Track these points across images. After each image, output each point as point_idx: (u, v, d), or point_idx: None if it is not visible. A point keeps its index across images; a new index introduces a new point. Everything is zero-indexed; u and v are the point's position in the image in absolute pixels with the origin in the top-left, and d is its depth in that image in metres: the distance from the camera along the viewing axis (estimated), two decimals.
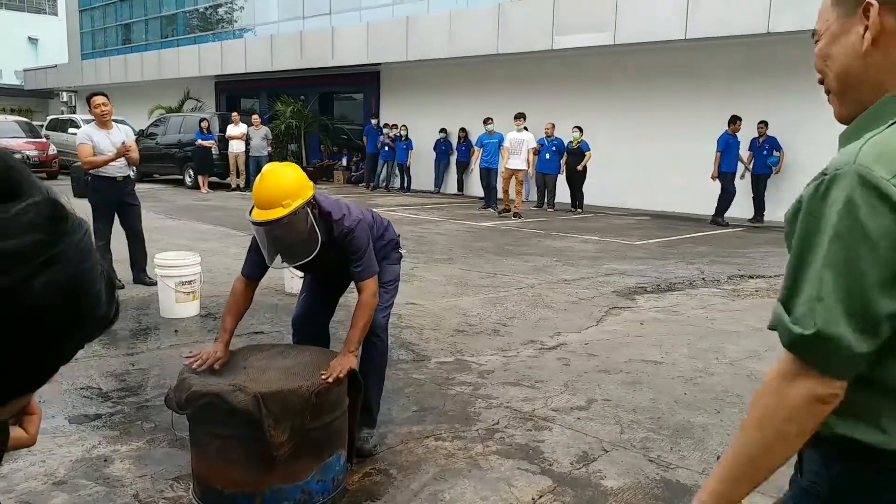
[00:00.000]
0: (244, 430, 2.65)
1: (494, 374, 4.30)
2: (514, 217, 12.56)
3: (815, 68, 1.15)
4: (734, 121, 11.81)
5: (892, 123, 0.97)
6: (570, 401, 3.89)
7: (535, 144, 13.24)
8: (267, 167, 2.94)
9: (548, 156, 13.71)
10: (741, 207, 12.59)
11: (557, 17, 14.20)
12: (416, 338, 5.04)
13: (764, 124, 12.24)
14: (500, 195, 13.60)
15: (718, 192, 12.14)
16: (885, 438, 0.97)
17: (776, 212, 12.47)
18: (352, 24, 19.05)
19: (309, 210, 2.88)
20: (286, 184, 2.82)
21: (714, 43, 12.67)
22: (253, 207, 2.87)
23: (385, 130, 17.55)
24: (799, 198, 1.01)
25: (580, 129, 13.56)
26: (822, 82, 1.15)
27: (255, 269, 3.08)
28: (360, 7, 19.87)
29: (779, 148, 12.25)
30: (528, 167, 13.19)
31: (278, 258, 3.02)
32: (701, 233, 11.11)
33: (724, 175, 11.98)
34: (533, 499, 2.82)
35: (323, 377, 2.74)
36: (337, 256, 3.03)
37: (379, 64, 18.44)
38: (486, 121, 14.38)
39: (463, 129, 16.61)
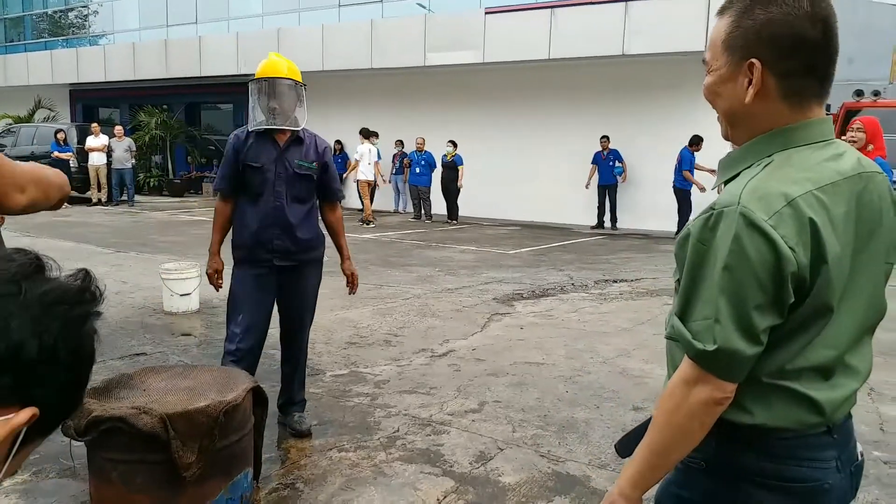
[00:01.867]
0: (149, 453, 2.63)
1: (390, 384, 4.45)
2: (370, 224, 13.66)
3: (704, 95, 1.29)
4: (697, 141, 11.78)
5: (767, 164, 1.17)
6: (463, 404, 4.11)
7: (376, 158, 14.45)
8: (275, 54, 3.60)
9: (418, 170, 14.43)
10: (588, 215, 13.61)
11: (428, 35, 14.61)
12: (308, 352, 5.07)
13: (606, 138, 13.32)
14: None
15: (678, 207, 12.11)
16: (748, 417, 1.21)
17: (629, 221, 13.56)
18: (220, 33, 18.52)
19: (302, 90, 3.54)
20: (294, 66, 3.55)
21: (574, 63, 13.55)
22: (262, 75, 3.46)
23: None
24: (687, 225, 1.22)
25: (454, 144, 14.11)
26: (714, 108, 1.31)
27: (231, 184, 3.51)
28: (227, 17, 19.35)
29: (621, 159, 13.39)
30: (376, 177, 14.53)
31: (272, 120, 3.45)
32: (567, 241, 11.83)
33: (684, 191, 12.03)
34: (438, 500, 3.00)
35: (348, 283, 4.06)
36: (300, 165, 3.48)
37: (249, 74, 18.02)
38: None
39: (338, 142, 16.63)
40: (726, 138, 1.32)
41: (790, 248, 1.09)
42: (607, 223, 13.54)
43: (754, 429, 1.19)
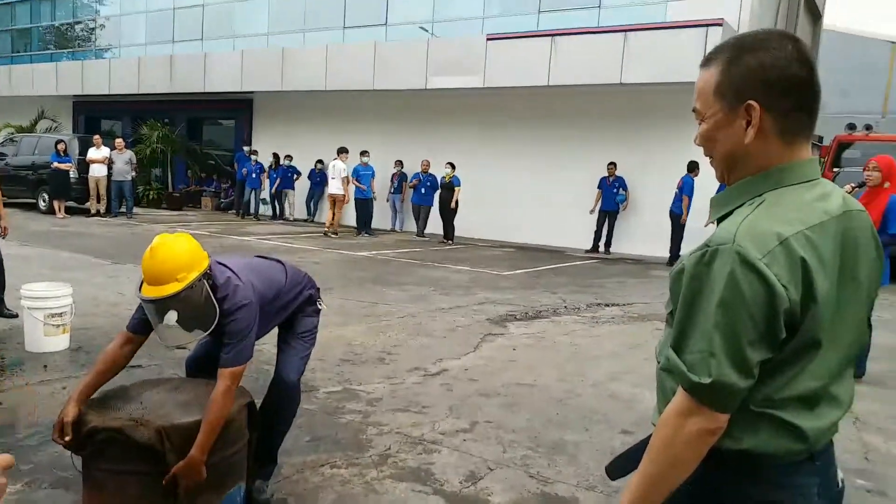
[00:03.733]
0: (145, 465, 2.67)
1: (383, 402, 4.50)
2: (333, 235, 14.42)
3: (697, 143, 1.37)
4: (694, 167, 11.95)
5: (761, 203, 1.22)
6: (455, 424, 4.17)
7: (346, 174, 14.88)
8: (157, 239, 2.71)
9: (423, 190, 14.81)
10: (583, 238, 13.76)
11: (431, 58, 14.82)
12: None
13: (613, 165, 13.45)
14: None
15: (671, 233, 12.38)
16: (735, 443, 1.26)
17: (623, 245, 13.70)
18: (225, 51, 18.74)
19: (205, 282, 2.70)
20: (180, 256, 2.64)
21: (574, 90, 13.73)
22: (143, 283, 2.67)
23: (252, 157, 17.41)
24: (681, 260, 1.28)
25: (452, 165, 14.30)
26: (707, 155, 1.39)
27: (142, 324, 2.81)
28: (233, 35, 19.59)
29: (625, 187, 13.52)
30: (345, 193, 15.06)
31: (173, 334, 2.75)
32: (561, 264, 11.93)
33: (679, 216, 12.19)
34: None
35: (164, 482, 2.55)
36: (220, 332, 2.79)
37: (252, 92, 18.24)
38: (362, 153, 15.06)
39: (320, 161, 16.84)
40: (722, 181, 1.38)
41: (783, 285, 1.15)
42: (601, 248, 13.65)
43: (741, 454, 1.25)
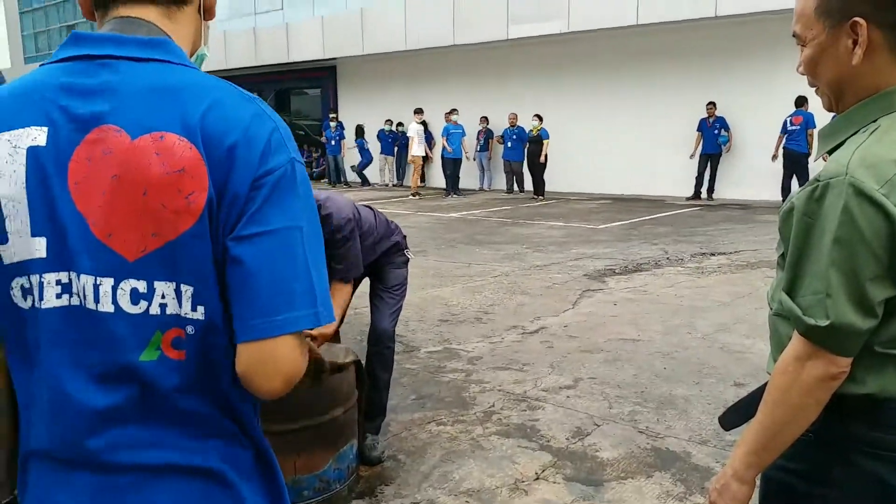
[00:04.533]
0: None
1: (483, 360, 4.50)
2: (416, 195, 14.83)
3: (801, 72, 1.26)
4: (803, 101, 11.14)
5: (874, 130, 1.12)
6: (557, 381, 4.11)
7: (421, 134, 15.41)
8: None
9: (510, 144, 14.43)
10: (681, 186, 13.14)
11: (511, 6, 14.41)
12: (403, 329, 5.19)
13: (713, 105, 12.72)
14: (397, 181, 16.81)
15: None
16: (859, 387, 1.16)
17: (726, 190, 13.02)
18: (306, 19, 18.94)
19: None
20: None
21: (664, 27, 13.04)
22: None
23: (331, 124, 17.60)
24: (791, 199, 1.18)
25: (539, 118, 13.91)
26: (812, 84, 1.28)
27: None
28: (313, 0, 19.75)
29: (727, 128, 12.75)
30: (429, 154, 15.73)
31: None
32: (660, 213, 11.50)
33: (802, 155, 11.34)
34: (536, 473, 3.03)
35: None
36: (328, 253, 3.13)
37: (335, 59, 18.40)
38: (451, 112, 14.95)
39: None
40: (830, 110, 1.26)
41: None
42: (703, 193, 13.04)
43: (866, 399, 1.16)
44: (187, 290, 0.89)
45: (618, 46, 14.04)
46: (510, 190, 15.08)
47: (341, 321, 3.08)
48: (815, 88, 1.27)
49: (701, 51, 13.12)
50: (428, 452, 3.26)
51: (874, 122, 1.14)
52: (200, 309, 0.90)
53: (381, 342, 3.32)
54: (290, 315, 0.88)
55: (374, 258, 3.35)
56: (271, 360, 0.88)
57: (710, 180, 12.99)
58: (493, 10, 14.65)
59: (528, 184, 14.62)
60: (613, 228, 10.00)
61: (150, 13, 0.96)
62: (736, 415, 1.38)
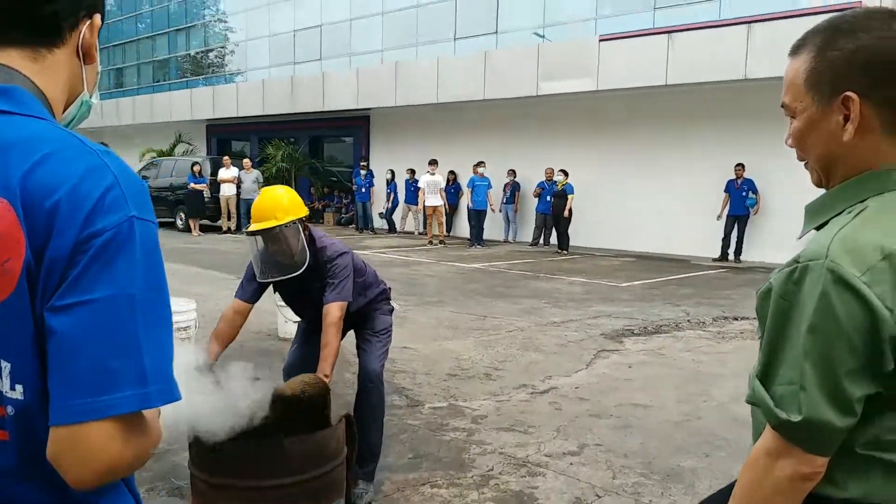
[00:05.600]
0: (247, 480, 2.72)
1: (488, 420, 4.38)
2: (440, 244, 15.07)
3: (790, 144, 1.20)
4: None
5: (861, 211, 1.05)
6: (562, 446, 3.97)
7: (443, 184, 15.71)
8: (266, 188, 3.33)
9: (549, 198, 14.30)
10: (707, 247, 12.98)
11: (542, 63, 14.60)
12: (409, 382, 5.12)
13: (741, 166, 12.61)
14: (423, 229, 16.61)
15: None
16: (839, 491, 1.07)
17: (753, 253, 12.79)
18: (342, 69, 19.43)
19: (300, 228, 3.17)
20: (280, 200, 3.16)
21: (693, 88, 13.06)
22: (250, 223, 3.21)
23: (361, 172, 17.74)
24: (769, 280, 1.11)
25: (565, 173, 13.97)
26: (801, 158, 1.22)
27: (247, 293, 3.28)
28: (350, 53, 20.29)
29: (755, 190, 12.61)
30: (444, 203, 15.75)
31: (269, 271, 3.27)
32: (685, 274, 11.30)
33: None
34: None
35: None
36: (321, 285, 3.21)
37: (369, 108, 18.77)
38: (478, 164, 15.12)
39: (452, 172, 16.91)
40: (819, 186, 1.19)
41: (888, 308, 0.96)
42: (731, 256, 12.83)
43: (836, 500, 1.06)
44: (6, 367, 0.82)
45: (647, 105, 14.08)
46: (535, 243, 15.03)
47: (332, 368, 3.08)
48: (804, 163, 1.21)
49: (731, 112, 13.08)
50: None
51: (862, 202, 1.07)
52: (19, 388, 0.82)
53: (370, 380, 3.38)
54: (109, 397, 0.78)
55: (365, 302, 3.48)
56: (82, 448, 0.78)
57: (737, 242, 12.80)
58: (524, 66, 14.85)
59: (554, 237, 14.59)
60: (636, 287, 9.84)
61: (10, 56, 0.88)
62: None
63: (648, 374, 5.47)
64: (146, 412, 0.83)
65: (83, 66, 0.96)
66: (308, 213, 3.29)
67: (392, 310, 3.66)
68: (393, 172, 17.79)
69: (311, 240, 3.23)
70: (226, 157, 17.29)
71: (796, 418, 1.00)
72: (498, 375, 5.37)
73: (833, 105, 1.08)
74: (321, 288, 3.21)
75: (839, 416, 0.99)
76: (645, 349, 6.27)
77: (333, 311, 3.13)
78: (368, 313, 3.52)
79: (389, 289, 3.70)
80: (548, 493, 3.37)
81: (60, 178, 0.80)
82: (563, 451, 3.91)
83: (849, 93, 1.06)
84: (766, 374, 1.07)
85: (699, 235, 13.35)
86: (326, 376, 2.97)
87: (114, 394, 0.78)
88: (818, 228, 1.12)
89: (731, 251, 12.83)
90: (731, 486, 1.18)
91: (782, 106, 1.19)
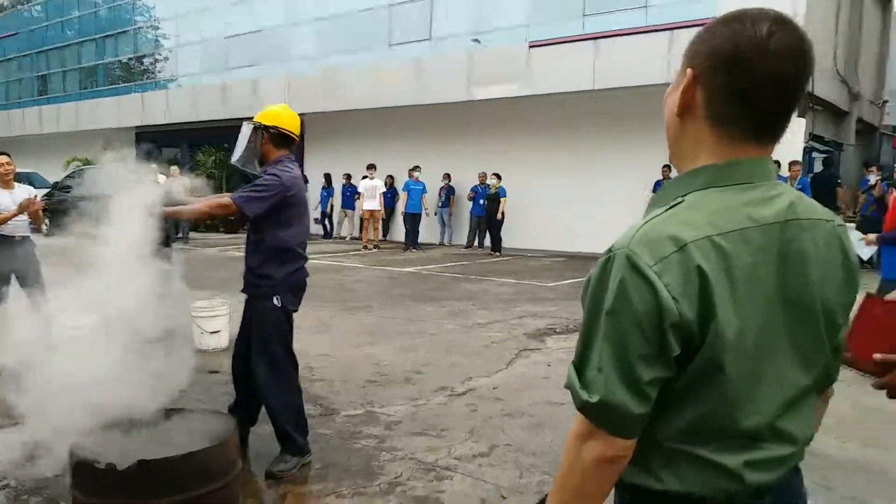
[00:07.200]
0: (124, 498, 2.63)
1: (402, 425, 4.35)
2: (375, 248, 15.11)
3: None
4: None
5: (675, 205, 1.07)
6: (472, 448, 3.97)
7: (383, 189, 15.65)
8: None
9: (483, 201, 14.51)
10: None
11: (473, 69, 14.71)
12: (326, 391, 5.04)
13: (668, 167, 12.96)
14: (358, 234, 16.75)
15: None
16: (657, 483, 1.09)
17: None
18: (275, 75, 19.14)
19: (262, 135, 3.52)
20: (273, 111, 3.60)
21: (620, 93, 13.36)
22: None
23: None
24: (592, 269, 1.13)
25: (498, 176, 14.14)
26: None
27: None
28: (283, 58, 20.01)
29: None
30: (381, 208, 15.57)
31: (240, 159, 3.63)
32: None
33: None
34: None
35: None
36: None
37: (302, 114, 18.52)
38: (413, 169, 15.19)
39: (390, 176, 16.85)
40: (671, 160, 1.23)
41: (673, 297, 0.99)
42: None
43: (665, 496, 1.09)
44: None
45: (577, 110, 14.34)
46: (470, 245, 15.13)
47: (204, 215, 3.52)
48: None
49: (657, 116, 13.28)
50: None
51: (682, 196, 1.10)
52: None
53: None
54: None
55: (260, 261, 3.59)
56: None
57: None
58: (457, 72, 14.93)
59: (488, 240, 14.72)
60: (563, 286, 9.98)
61: None
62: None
63: (566, 371, 5.53)
64: None
65: None
66: (293, 139, 3.61)
67: (274, 308, 3.60)
68: (329, 178, 17.64)
69: (270, 154, 3.52)
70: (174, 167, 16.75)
71: (594, 399, 1.02)
72: (418, 379, 5.35)
73: (682, 80, 1.12)
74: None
75: (632, 399, 1.02)
76: (565, 347, 6.35)
77: (224, 199, 3.40)
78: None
79: (306, 260, 3.71)
80: (454, 497, 3.36)
81: None
82: (474, 452, 3.91)
83: (690, 68, 1.10)
84: (580, 360, 1.08)
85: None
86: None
87: None
88: None
89: None
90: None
91: None
